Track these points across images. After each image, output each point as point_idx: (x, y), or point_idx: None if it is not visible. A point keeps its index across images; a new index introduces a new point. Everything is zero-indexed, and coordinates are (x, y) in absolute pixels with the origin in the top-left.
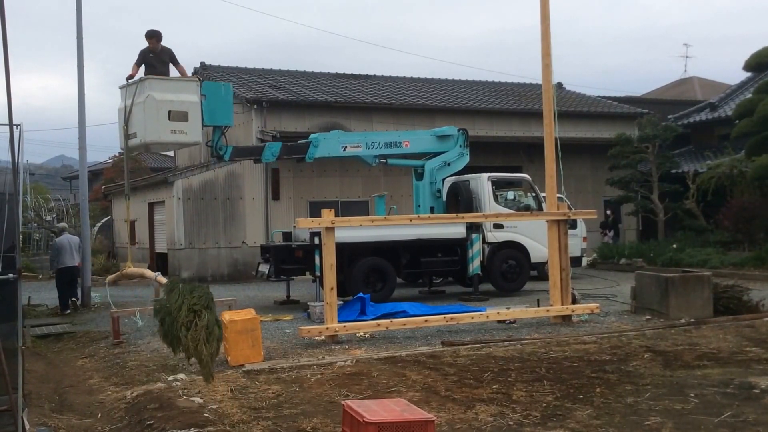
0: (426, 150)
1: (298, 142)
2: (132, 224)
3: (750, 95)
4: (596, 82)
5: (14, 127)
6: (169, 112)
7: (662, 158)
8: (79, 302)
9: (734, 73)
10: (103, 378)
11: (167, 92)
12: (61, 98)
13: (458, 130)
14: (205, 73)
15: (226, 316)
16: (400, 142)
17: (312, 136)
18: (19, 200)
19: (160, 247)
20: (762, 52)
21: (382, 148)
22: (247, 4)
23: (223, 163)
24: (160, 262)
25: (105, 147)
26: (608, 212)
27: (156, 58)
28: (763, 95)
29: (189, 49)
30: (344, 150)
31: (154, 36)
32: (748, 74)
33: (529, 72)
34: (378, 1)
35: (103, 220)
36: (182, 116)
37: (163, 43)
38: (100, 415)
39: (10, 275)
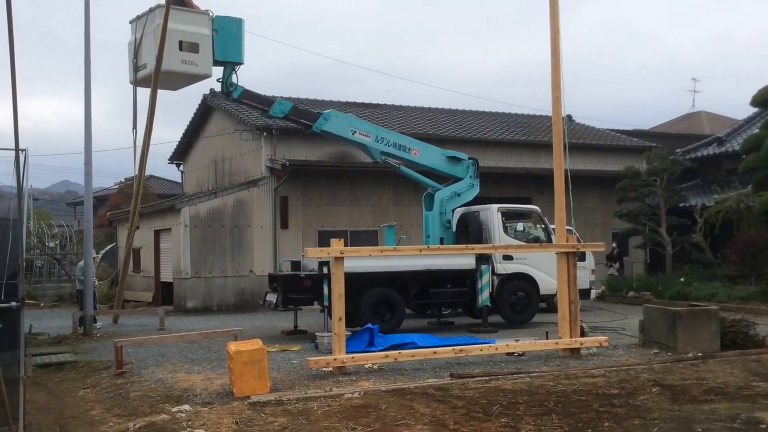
0: (434, 167)
1: (311, 110)
2: (137, 252)
3: (757, 130)
4: (605, 115)
5: (20, 152)
6: (180, 42)
7: (670, 192)
8: (81, 330)
9: (741, 108)
10: (106, 409)
11: (178, 22)
12: (70, 123)
13: (468, 159)
14: (214, 100)
15: (232, 346)
16: (409, 149)
17: (326, 111)
18: (23, 226)
19: (166, 275)
20: None
21: (390, 146)
22: (260, 32)
23: (231, 189)
24: (165, 292)
25: (111, 173)
26: (614, 244)
27: None
28: None
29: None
30: (353, 134)
31: None
32: (755, 109)
33: (539, 104)
34: (403, 31)
35: (107, 247)
36: (193, 47)
37: None
38: None
39: (13, 304)
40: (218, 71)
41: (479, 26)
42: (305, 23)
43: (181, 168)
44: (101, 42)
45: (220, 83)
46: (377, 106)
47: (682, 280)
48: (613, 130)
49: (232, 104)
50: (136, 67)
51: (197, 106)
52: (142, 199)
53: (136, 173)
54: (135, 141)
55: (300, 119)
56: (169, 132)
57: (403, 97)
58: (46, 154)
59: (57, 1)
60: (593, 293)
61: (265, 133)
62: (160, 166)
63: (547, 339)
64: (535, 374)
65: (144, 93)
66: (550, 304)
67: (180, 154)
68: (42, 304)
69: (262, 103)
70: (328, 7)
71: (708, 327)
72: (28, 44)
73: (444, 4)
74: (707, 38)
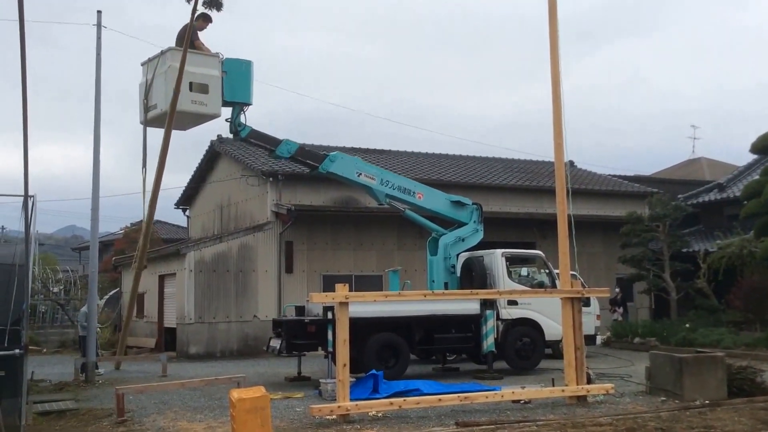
0: (438, 211)
1: (317, 152)
2: (141, 297)
3: (757, 177)
4: (606, 161)
5: (28, 198)
6: (191, 83)
7: (673, 237)
8: (83, 377)
9: (741, 155)
10: None
11: (189, 64)
12: (78, 167)
13: (472, 204)
14: (221, 145)
15: (235, 394)
16: (414, 192)
17: (332, 153)
18: (29, 273)
19: (169, 321)
20: None
21: (395, 190)
22: (266, 79)
23: (237, 234)
24: (168, 337)
25: (117, 218)
26: (617, 289)
27: (196, 34)
28: None
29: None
30: (358, 176)
31: (210, 20)
32: (755, 156)
33: (542, 149)
34: (410, 78)
35: (111, 293)
36: (203, 88)
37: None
38: None
39: (16, 351)
40: (227, 112)
41: (483, 74)
42: (311, 69)
43: (187, 213)
44: (110, 89)
45: (228, 123)
46: (382, 151)
47: (687, 326)
48: (614, 176)
49: (239, 150)
50: (146, 108)
51: (204, 152)
52: (146, 253)
53: (146, 211)
54: (144, 180)
55: (306, 160)
56: (175, 177)
57: (408, 143)
58: (54, 199)
59: (69, 49)
60: (599, 339)
61: (270, 179)
62: (166, 210)
63: (553, 386)
64: (541, 422)
65: (153, 134)
66: (555, 349)
67: (186, 199)
68: (44, 350)
69: (269, 142)
70: (334, 54)
71: (715, 374)
72: (38, 90)
73: (449, 52)
74: (707, 85)
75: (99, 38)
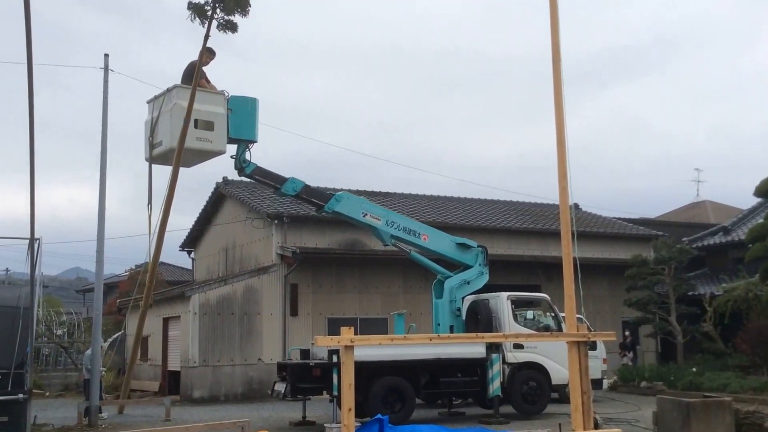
0: (444, 253)
1: (323, 191)
2: (145, 340)
3: (762, 220)
4: (611, 203)
5: (34, 241)
6: (196, 120)
7: (679, 280)
8: (86, 421)
9: (745, 198)
10: None
11: (195, 102)
12: (83, 209)
13: (478, 246)
14: (227, 188)
15: None
16: (419, 233)
17: (339, 192)
18: (34, 316)
19: (173, 364)
20: None
21: (400, 230)
22: (270, 122)
23: (242, 276)
24: (172, 380)
25: (121, 260)
26: (626, 333)
27: (202, 72)
28: None
29: (211, 165)
30: (363, 216)
31: (214, 54)
32: (759, 199)
33: (546, 192)
34: (413, 120)
35: (114, 335)
36: (208, 125)
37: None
38: None
39: (20, 396)
40: (232, 149)
41: (487, 116)
42: (314, 111)
43: (192, 255)
44: (116, 130)
45: (233, 160)
46: (386, 194)
47: (694, 370)
48: (619, 219)
49: (244, 193)
50: (152, 145)
51: (210, 194)
52: (152, 290)
53: (152, 248)
54: (150, 217)
55: (311, 198)
56: (180, 219)
57: (412, 185)
58: (58, 241)
59: (74, 90)
60: (605, 383)
61: (276, 221)
62: (171, 253)
63: (560, 431)
64: None
65: (157, 175)
66: (562, 394)
67: (191, 242)
68: (47, 393)
69: (274, 180)
70: (337, 96)
71: (722, 419)
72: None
73: (453, 94)
74: (710, 129)
75: (106, 81)
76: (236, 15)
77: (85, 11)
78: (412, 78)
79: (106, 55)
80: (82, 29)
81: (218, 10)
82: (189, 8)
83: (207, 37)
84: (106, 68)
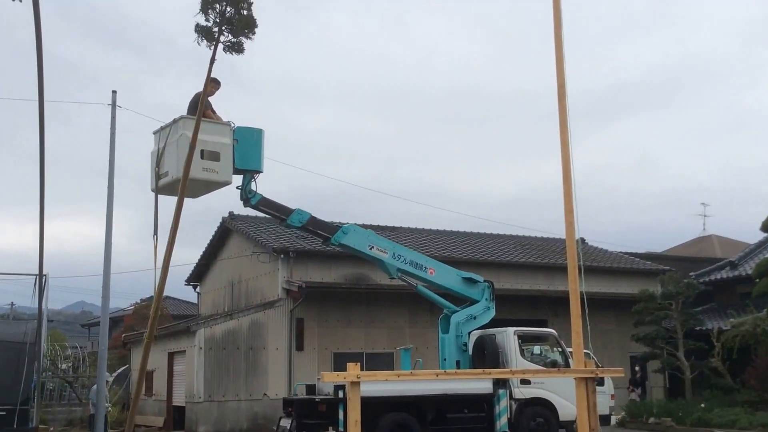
0: (450, 287)
1: (330, 223)
2: (149, 375)
3: None
4: (617, 238)
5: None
6: (202, 151)
7: (686, 315)
8: None
9: (751, 232)
10: None
11: (201, 132)
12: (90, 243)
13: (484, 281)
14: (233, 222)
15: None
16: (425, 267)
17: (346, 225)
18: (40, 353)
19: (178, 399)
20: None
21: (407, 264)
22: (277, 156)
23: (247, 311)
24: (177, 416)
25: (126, 294)
26: (636, 368)
27: (208, 103)
28: None
29: (217, 200)
30: (370, 249)
31: (219, 84)
32: (766, 234)
33: (552, 226)
34: (420, 155)
35: (119, 370)
36: (214, 156)
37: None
38: None
39: None
40: (238, 180)
41: (494, 151)
42: (322, 147)
43: (197, 289)
44: (123, 165)
45: (239, 190)
46: (393, 228)
47: (702, 405)
48: (625, 253)
49: (250, 227)
50: (158, 176)
51: (216, 229)
52: (157, 321)
53: (157, 278)
54: (156, 247)
55: (318, 230)
56: (186, 253)
57: (418, 220)
58: (64, 276)
59: (81, 125)
60: (613, 419)
61: (282, 256)
62: (177, 287)
63: None
64: None
65: (163, 207)
66: (570, 430)
67: (197, 276)
68: (52, 429)
69: (279, 211)
70: (345, 132)
71: None
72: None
73: (459, 128)
74: (716, 163)
75: (113, 118)
76: (242, 38)
77: (94, 47)
78: (419, 114)
79: (114, 92)
80: (90, 65)
81: (225, 33)
82: (196, 31)
83: (213, 60)
84: (113, 105)
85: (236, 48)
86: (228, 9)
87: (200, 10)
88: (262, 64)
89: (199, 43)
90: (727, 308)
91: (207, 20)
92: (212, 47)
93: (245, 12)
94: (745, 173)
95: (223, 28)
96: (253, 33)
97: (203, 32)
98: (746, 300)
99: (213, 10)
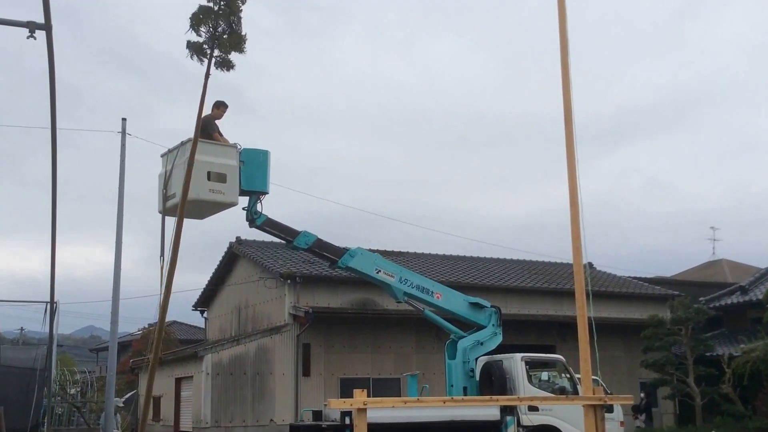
0: (456, 312)
1: (336, 246)
2: (157, 400)
3: None
4: (625, 262)
5: (52, 304)
6: (209, 172)
7: (696, 341)
8: None
9: (762, 256)
10: None
11: (207, 154)
12: (99, 268)
13: (491, 306)
14: (240, 247)
15: None
16: (432, 291)
17: (353, 248)
18: (50, 379)
19: (185, 425)
20: None
21: (413, 288)
22: (286, 182)
23: (254, 336)
24: None
25: (135, 318)
26: (642, 395)
27: (215, 126)
28: None
29: (224, 224)
30: (377, 273)
31: (226, 106)
32: None
33: (560, 251)
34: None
35: (127, 395)
36: (221, 177)
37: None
38: None
39: None
40: (244, 201)
41: (501, 175)
42: (327, 171)
43: (204, 314)
44: (132, 191)
45: (245, 211)
46: (400, 253)
47: None
48: (634, 278)
49: (257, 252)
50: (165, 197)
51: (223, 254)
52: (163, 346)
53: (162, 299)
54: (162, 269)
55: (324, 252)
56: (193, 278)
57: (425, 244)
58: (73, 301)
59: (91, 151)
60: None
61: (288, 281)
62: (184, 312)
63: None
64: None
65: (173, 227)
66: None
67: (204, 301)
68: None
69: (285, 232)
70: (353, 157)
71: None
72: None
73: (466, 154)
74: (725, 187)
75: (123, 145)
76: (233, 53)
77: (104, 73)
78: (426, 139)
79: (124, 119)
80: (101, 90)
81: (215, 48)
82: (187, 47)
83: (207, 75)
84: (123, 132)
85: (226, 65)
86: (220, 23)
87: (190, 27)
88: (272, 92)
89: (191, 58)
90: (737, 334)
91: (199, 35)
92: (204, 63)
93: (235, 26)
94: (756, 197)
95: (214, 44)
96: (243, 51)
97: (194, 48)
98: (757, 325)
99: (205, 24)
